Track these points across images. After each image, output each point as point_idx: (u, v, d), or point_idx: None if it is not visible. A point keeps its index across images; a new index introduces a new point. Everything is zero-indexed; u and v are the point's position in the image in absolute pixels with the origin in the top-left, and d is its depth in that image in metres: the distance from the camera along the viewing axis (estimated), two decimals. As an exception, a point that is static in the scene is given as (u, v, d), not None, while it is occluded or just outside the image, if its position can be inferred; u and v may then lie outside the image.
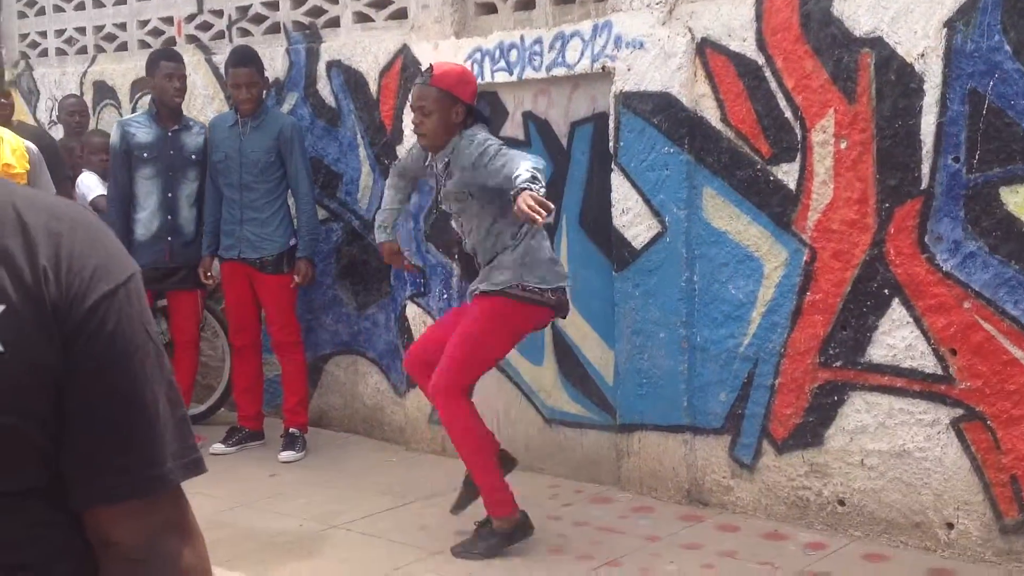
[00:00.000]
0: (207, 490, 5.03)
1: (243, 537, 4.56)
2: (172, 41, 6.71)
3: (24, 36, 7.66)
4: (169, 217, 5.78)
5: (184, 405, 1.25)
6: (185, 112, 6.09)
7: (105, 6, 7.09)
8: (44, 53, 7.54)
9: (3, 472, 1.12)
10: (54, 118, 7.14)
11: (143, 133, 5.77)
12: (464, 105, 4.18)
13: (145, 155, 5.75)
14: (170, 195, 5.78)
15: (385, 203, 4.72)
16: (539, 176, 3.82)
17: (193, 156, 5.78)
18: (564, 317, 4.42)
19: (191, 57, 6.50)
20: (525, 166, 3.83)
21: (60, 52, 7.43)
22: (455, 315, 4.54)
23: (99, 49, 7.13)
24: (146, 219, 5.77)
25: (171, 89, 5.72)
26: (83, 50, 7.26)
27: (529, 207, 3.64)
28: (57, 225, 1.15)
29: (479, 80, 5.20)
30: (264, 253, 5.64)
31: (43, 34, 7.53)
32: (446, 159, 4.23)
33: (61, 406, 1.13)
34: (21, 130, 6.02)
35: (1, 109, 6.03)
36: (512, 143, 5.25)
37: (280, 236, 5.65)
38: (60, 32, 7.41)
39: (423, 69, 4.32)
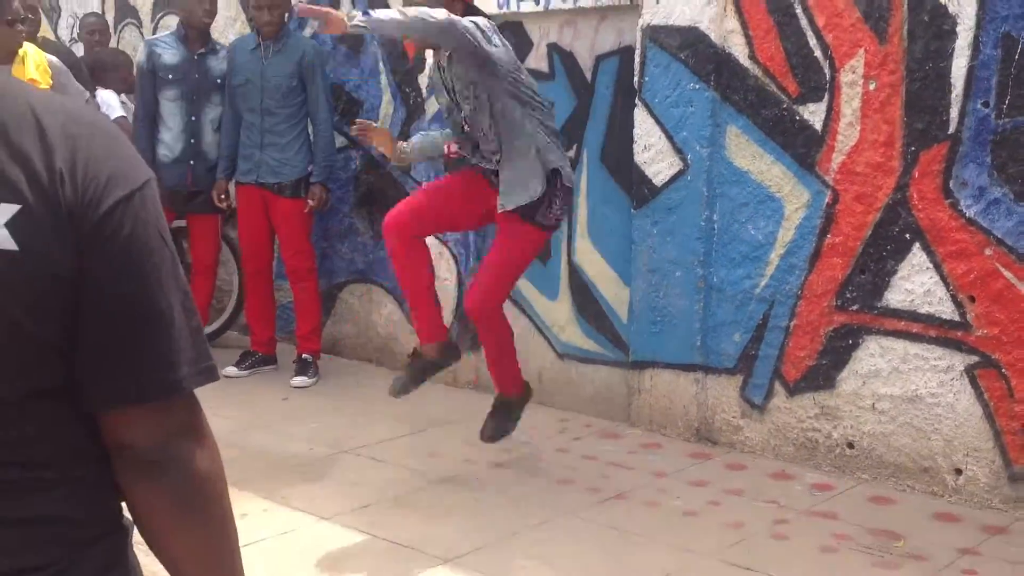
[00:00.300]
0: (220, 411, 5.06)
1: (254, 458, 4.60)
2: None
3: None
4: (192, 140, 5.77)
5: (199, 315, 1.25)
6: (207, 34, 6.03)
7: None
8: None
9: (19, 372, 1.12)
10: (75, 36, 7.10)
11: (169, 54, 5.74)
12: (463, 3, 4.13)
13: (170, 76, 5.72)
14: (194, 119, 5.76)
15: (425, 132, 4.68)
16: (394, 16, 3.76)
17: (219, 80, 5.76)
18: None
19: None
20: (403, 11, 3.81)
21: (83, -31, 7.38)
22: (449, 190, 4.40)
23: (122, -32, 7.08)
24: (170, 141, 5.77)
25: (200, 10, 5.67)
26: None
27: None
28: (74, 128, 1.15)
29: (504, 9, 5.16)
30: (282, 178, 5.63)
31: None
32: (440, 61, 4.16)
33: (76, 309, 1.13)
34: (44, 47, 5.99)
35: (29, 25, 5.97)
36: (536, 75, 5.20)
37: (299, 161, 5.63)
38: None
39: None
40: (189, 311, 1.21)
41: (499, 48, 4.00)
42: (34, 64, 5.38)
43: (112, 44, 6.81)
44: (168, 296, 1.18)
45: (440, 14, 3.82)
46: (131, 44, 6.93)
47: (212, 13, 5.73)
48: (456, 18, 3.87)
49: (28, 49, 5.44)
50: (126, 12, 6.96)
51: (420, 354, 4.42)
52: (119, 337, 1.16)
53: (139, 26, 6.93)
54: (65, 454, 1.18)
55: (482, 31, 3.94)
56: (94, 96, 6.09)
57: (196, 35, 5.73)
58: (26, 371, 1.13)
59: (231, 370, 5.80)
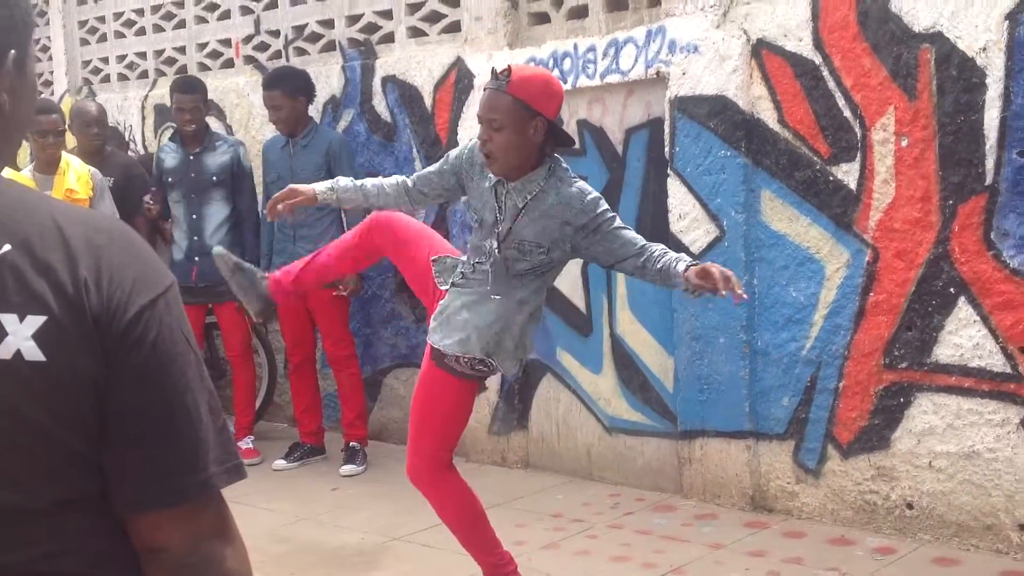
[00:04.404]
0: (270, 505, 5.08)
1: (306, 551, 4.58)
2: (230, 63, 6.81)
3: (87, 63, 7.82)
4: (196, 238, 5.89)
5: (222, 413, 1.26)
6: (242, 133, 6.17)
7: (164, 30, 7.22)
8: (106, 79, 7.69)
9: (47, 479, 1.14)
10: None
11: (171, 158, 5.96)
12: (546, 121, 3.36)
13: (171, 179, 5.94)
14: (195, 217, 5.89)
15: (362, 181, 3.81)
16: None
17: (215, 177, 5.87)
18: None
19: (249, 78, 6.59)
20: (666, 252, 3.37)
21: (122, 77, 7.58)
22: (427, 239, 3.82)
23: (159, 73, 7.25)
24: (179, 239, 5.96)
25: (181, 120, 5.88)
26: (144, 74, 7.39)
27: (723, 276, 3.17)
28: (97, 237, 1.17)
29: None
30: (320, 268, 5.69)
31: (105, 60, 7.68)
32: (526, 196, 3.42)
33: (104, 415, 1.15)
34: (113, 158, 6.16)
35: (94, 139, 6.15)
36: (567, 152, 5.26)
37: (334, 251, 5.70)
38: (121, 57, 7.55)
39: (498, 71, 3.40)
40: (215, 410, 1.23)
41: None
42: (75, 175, 5.53)
43: (153, 146, 6.98)
44: (195, 397, 1.20)
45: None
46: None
47: (193, 121, 5.86)
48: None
49: (72, 160, 5.60)
50: (165, 116, 7.10)
51: None
52: (147, 441, 1.17)
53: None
54: (93, 563, 1.19)
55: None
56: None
57: (189, 137, 5.89)
58: (55, 479, 1.14)
59: (280, 463, 5.81)
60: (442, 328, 3.53)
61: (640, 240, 3.44)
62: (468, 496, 3.73)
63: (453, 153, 3.67)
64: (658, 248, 3.41)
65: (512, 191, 3.44)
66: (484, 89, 3.44)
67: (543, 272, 3.53)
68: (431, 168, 3.74)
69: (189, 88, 5.94)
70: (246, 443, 5.98)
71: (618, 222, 3.46)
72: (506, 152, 3.37)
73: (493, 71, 3.39)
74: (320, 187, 3.76)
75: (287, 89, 5.63)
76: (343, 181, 3.78)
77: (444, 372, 3.55)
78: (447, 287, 3.60)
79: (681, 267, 3.29)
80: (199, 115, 5.90)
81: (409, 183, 3.73)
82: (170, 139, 6.07)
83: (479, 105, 3.46)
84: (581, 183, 3.49)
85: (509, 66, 3.42)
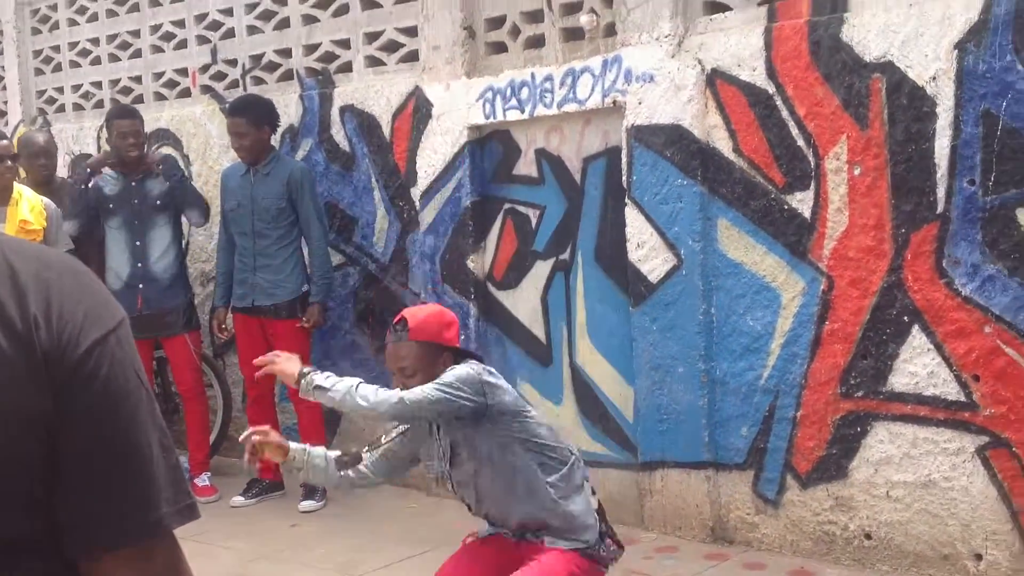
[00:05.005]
0: (228, 543, 5.00)
1: (261, 586, 4.51)
2: (187, 92, 6.77)
3: (41, 92, 7.75)
4: (139, 264, 5.80)
5: (175, 451, 1.23)
6: (199, 163, 6.12)
7: (120, 60, 7.17)
8: (61, 109, 7.62)
9: None
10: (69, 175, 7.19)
11: (110, 187, 5.86)
12: (451, 352, 3.42)
13: (111, 206, 5.82)
14: (138, 243, 5.81)
15: (336, 461, 3.55)
16: (351, 391, 3.20)
17: (158, 202, 5.82)
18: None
19: (206, 107, 6.55)
20: (380, 391, 3.20)
21: (77, 107, 7.51)
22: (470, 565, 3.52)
23: (115, 102, 7.19)
24: (117, 268, 5.82)
25: (124, 146, 5.78)
26: (99, 104, 7.32)
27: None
28: (46, 273, 1.15)
29: (491, 119, 5.21)
30: (277, 299, 5.63)
31: (60, 90, 7.62)
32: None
33: (54, 454, 1.12)
34: (63, 189, 6.10)
35: (41, 169, 6.08)
36: (525, 181, 5.25)
37: (293, 282, 5.64)
38: (77, 87, 7.49)
39: (394, 322, 3.43)
40: (167, 448, 1.20)
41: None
42: (29, 206, 5.46)
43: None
44: (146, 435, 1.17)
45: (392, 396, 3.23)
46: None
47: (137, 146, 5.80)
48: (417, 396, 3.22)
49: (24, 191, 5.53)
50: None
51: None
52: (98, 480, 1.14)
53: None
54: None
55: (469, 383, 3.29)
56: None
57: (132, 165, 5.81)
58: (2, 520, 1.10)
59: (238, 500, 5.73)
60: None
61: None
62: None
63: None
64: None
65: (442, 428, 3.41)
66: (386, 344, 3.45)
67: (496, 467, 3.34)
68: (393, 443, 3.58)
69: (128, 114, 5.92)
70: (203, 480, 5.89)
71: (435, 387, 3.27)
72: None
73: (391, 326, 3.37)
74: (296, 446, 3.54)
75: (252, 117, 5.60)
76: (316, 452, 3.53)
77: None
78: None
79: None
80: (141, 139, 5.86)
81: (377, 463, 3.58)
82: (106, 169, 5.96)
83: (386, 358, 3.45)
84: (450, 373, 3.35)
85: (402, 315, 3.41)
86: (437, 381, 3.23)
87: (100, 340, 1.14)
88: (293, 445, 3.50)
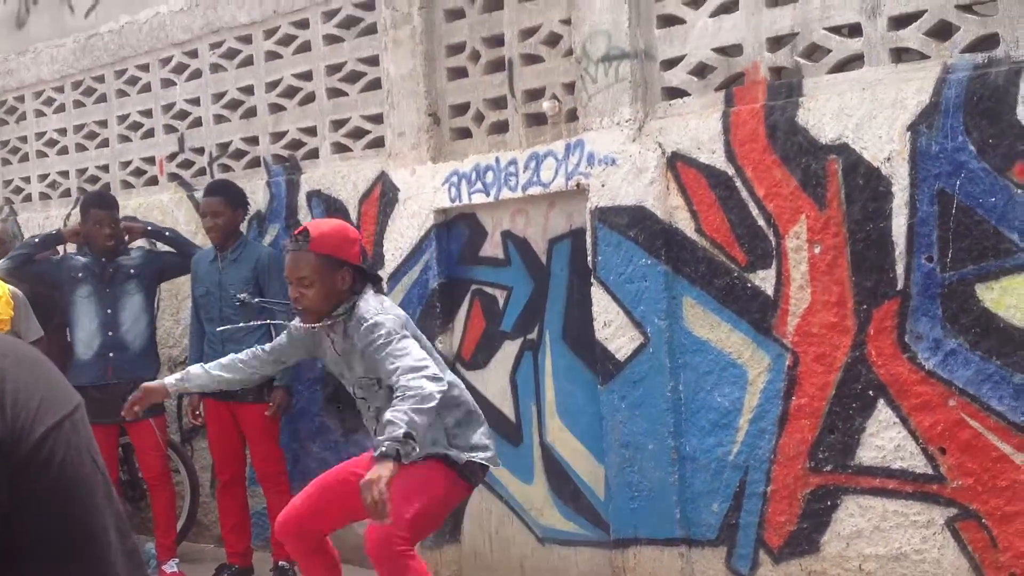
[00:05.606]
0: (196, 630, 4.93)
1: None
2: (154, 180, 6.81)
3: (8, 182, 7.76)
4: (110, 333, 5.79)
5: (132, 535, 1.23)
6: (167, 250, 6.14)
7: (87, 149, 7.21)
8: (28, 198, 7.64)
9: None
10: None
11: (80, 261, 5.88)
12: (351, 268, 3.74)
13: (80, 275, 5.81)
14: (109, 311, 5.80)
15: (214, 366, 4.17)
16: (414, 417, 3.35)
17: (132, 270, 5.84)
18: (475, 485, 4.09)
19: (173, 194, 6.60)
20: (407, 397, 3.40)
21: (44, 196, 7.53)
22: (340, 476, 4.01)
23: (82, 191, 7.21)
24: (86, 339, 5.79)
25: (101, 235, 5.80)
26: (66, 193, 7.35)
27: (373, 502, 3.22)
28: (1, 361, 1.16)
29: (456, 202, 5.29)
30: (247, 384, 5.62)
31: (26, 179, 7.64)
32: (342, 334, 3.80)
33: (8, 540, 1.12)
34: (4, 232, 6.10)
35: None
36: (492, 261, 5.31)
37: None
38: (43, 176, 7.51)
39: (294, 232, 3.78)
40: (123, 534, 1.20)
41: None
42: (-7, 294, 5.43)
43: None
44: (103, 520, 1.17)
45: (426, 382, 3.47)
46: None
47: (113, 236, 5.83)
48: (425, 375, 3.50)
49: (-11, 280, 5.51)
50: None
51: None
52: (54, 566, 1.14)
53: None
54: None
55: (415, 336, 3.75)
56: None
57: (104, 253, 5.84)
58: None
59: (207, 585, 5.66)
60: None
61: (399, 376, 3.50)
62: None
63: (289, 325, 4.12)
64: (399, 395, 3.45)
65: (333, 336, 3.80)
66: (285, 252, 3.76)
67: (378, 382, 3.76)
68: (281, 339, 4.17)
69: (106, 204, 5.94)
70: (170, 566, 5.81)
71: (388, 349, 3.57)
72: (319, 305, 3.72)
73: (291, 234, 3.69)
74: (170, 380, 4.12)
75: (229, 197, 5.68)
76: (194, 370, 4.12)
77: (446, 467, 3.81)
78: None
79: (376, 447, 3.41)
80: (117, 229, 5.87)
81: (252, 354, 4.11)
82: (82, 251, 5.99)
83: (285, 267, 3.78)
84: (364, 309, 3.70)
85: (305, 226, 3.73)
86: (409, 357, 3.51)
87: (55, 426, 1.14)
88: (167, 380, 4.07)
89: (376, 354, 3.59)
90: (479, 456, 3.94)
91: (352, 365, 3.85)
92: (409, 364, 3.51)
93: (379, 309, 3.70)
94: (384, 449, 3.31)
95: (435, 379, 3.51)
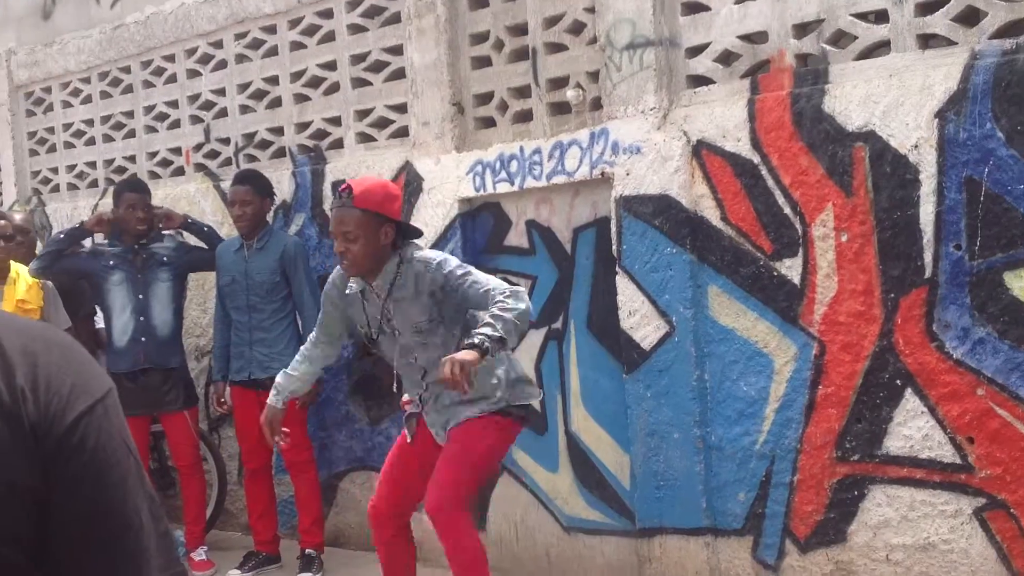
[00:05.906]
0: (224, 617, 4.97)
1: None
2: (181, 170, 6.85)
3: (36, 173, 7.82)
4: (142, 319, 5.83)
5: (165, 518, 1.24)
6: (194, 240, 6.17)
7: (114, 140, 7.25)
8: (56, 189, 7.69)
9: None
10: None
11: (113, 249, 5.91)
12: (393, 223, 3.90)
13: (112, 263, 5.85)
14: (141, 296, 5.84)
15: (291, 367, 4.41)
16: (508, 314, 3.62)
17: (164, 258, 5.87)
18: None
19: (199, 185, 6.63)
20: (501, 300, 3.66)
21: (71, 187, 7.58)
22: (405, 452, 4.25)
23: (109, 182, 7.25)
24: (120, 325, 5.84)
25: (133, 219, 5.83)
26: (94, 183, 7.40)
27: (454, 376, 3.44)
28: (33, 345, 1.16)
29: (481, 191, 5.29)
30: (273, 372, 5.59)
31: (54, 170, 7.69)
32: (387, 287, 3.97)
33: (42, 525, 1.13)
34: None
35: (17, 247, 6.12)
36: (517, 251, 5.31)
37: (288, 354, 5.63)
38: (71, 167, 7.56)
39: (339, 189, 3.94)
40: (157, 517, 1.21)
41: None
42: (25, 285, 5.49)
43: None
44: (136, 504, 1.18)
45: (527, 298, 3.77)
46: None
47: (145, 220, 5.87)
48: (507, 288, 3.78)
49: (21, 270, 5.56)
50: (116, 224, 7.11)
51: None
52: (88, 550, 1.15)
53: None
54: None
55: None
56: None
57: (136, 237, 5.87)
58: None
59: (235, 573, 5.69)
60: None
61: (490, 293, 3.75)
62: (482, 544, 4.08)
63: (324, 292, 4.28)
64: (496, 300, 3.70)
65: (375, 290, 3.95)
66: (331, 209, 3.97)
67: (446, 333, 3.96)
68: (320, 316, 4.32)
69: (138, 187, 5.98)
70: (199, 554, 5.86)
71: (471, 278, 3.84)
72: (363, 258, 3.88)
73: (336, 191, 3.88)
74: (274, 400, 4.33)
75: (257, 187, 5.71)
76: (281, 380, 4.35)
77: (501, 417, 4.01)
78: (420, 411, 4.15)
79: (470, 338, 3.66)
80: (149, 213, 5.90)
81: (311, 342, 4.34)
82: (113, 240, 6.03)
83: (331, 223, 3.98)
84: (425, 253, 3.98)
85: (349, 183, 3.90)
86: (483, 276, 3.82)
87: (87, 411, 1.15)
88: (276, 404, 4.25)
89: (460, 284, 3.80)
90: (533, 399, 4.23)
91: (407, 314, 3.96)
92: (503, 285, 3.78)
93: (437, 252, 3.98)
94: (476, 341, 3.55)
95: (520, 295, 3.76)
